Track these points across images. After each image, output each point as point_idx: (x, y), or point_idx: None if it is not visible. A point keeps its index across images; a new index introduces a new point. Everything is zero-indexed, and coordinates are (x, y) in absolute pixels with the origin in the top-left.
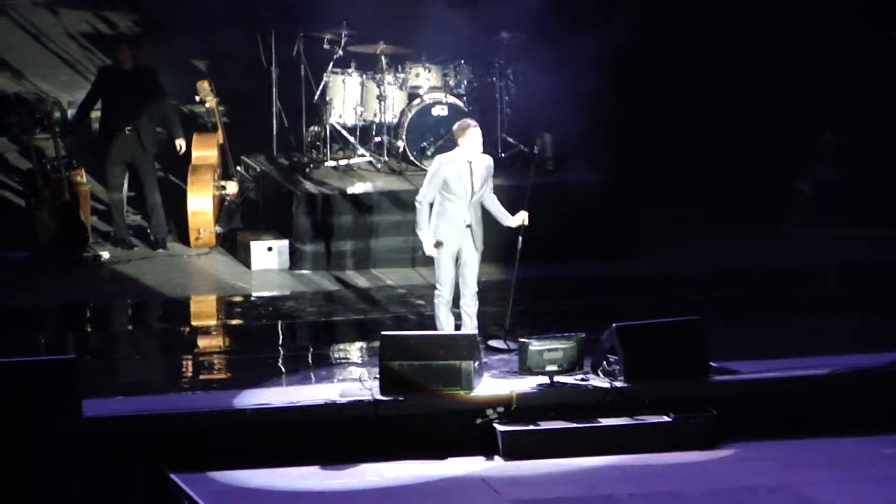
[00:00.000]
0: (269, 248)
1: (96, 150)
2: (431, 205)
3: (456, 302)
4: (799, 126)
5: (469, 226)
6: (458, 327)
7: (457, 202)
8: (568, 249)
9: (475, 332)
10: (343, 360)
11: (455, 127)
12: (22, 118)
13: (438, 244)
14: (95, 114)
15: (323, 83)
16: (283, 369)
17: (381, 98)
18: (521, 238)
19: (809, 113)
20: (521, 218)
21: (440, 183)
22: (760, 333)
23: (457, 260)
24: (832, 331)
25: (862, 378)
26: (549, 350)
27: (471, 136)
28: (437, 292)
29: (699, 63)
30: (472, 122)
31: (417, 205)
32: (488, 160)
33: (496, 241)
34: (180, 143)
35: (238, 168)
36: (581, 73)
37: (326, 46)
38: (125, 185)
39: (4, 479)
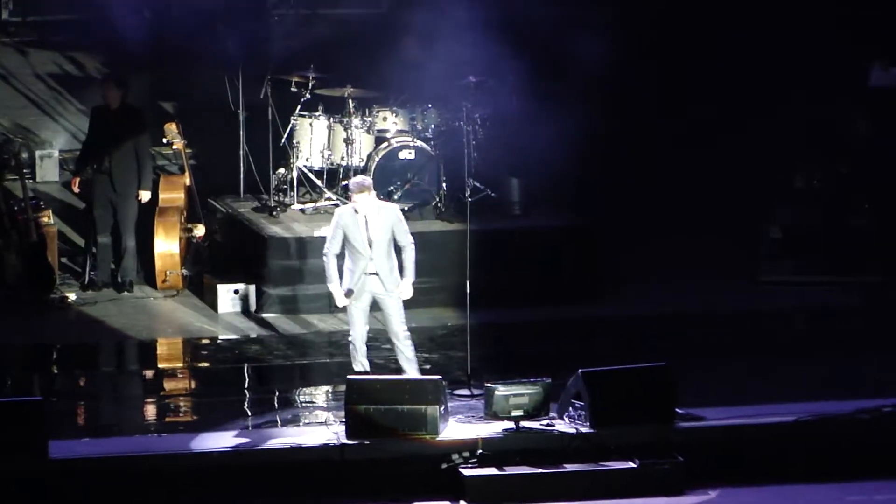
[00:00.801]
0: (236, 291)
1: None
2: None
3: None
4: (771, 168)
5: (374, 274)
6: (398, 371)
7: (356, 254)
8: (536, 293)
9: (437, 377)
10: (309, 404)
11: (356, 182)
12: None
13: (349, 293)
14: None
15: (290, 126)
16: (249, 412)
17: (348, 141)
18: (468, 283)
19: (781, 154)
20: (404, 290)
21: (342, 235)
22: (728, 379)
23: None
24: (799, 376)
25: (828, 425)
26: (514, 395)
27: (357, 195)
28: (349, 341)
29: (671, 102)
30: (366, 185)
31: (324, 258)
32: (390, 210)
33: (460, 286)
34: (144, 195)
35: (205, 211)
36: (549, 117)
37: (294, 89)
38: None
39: None
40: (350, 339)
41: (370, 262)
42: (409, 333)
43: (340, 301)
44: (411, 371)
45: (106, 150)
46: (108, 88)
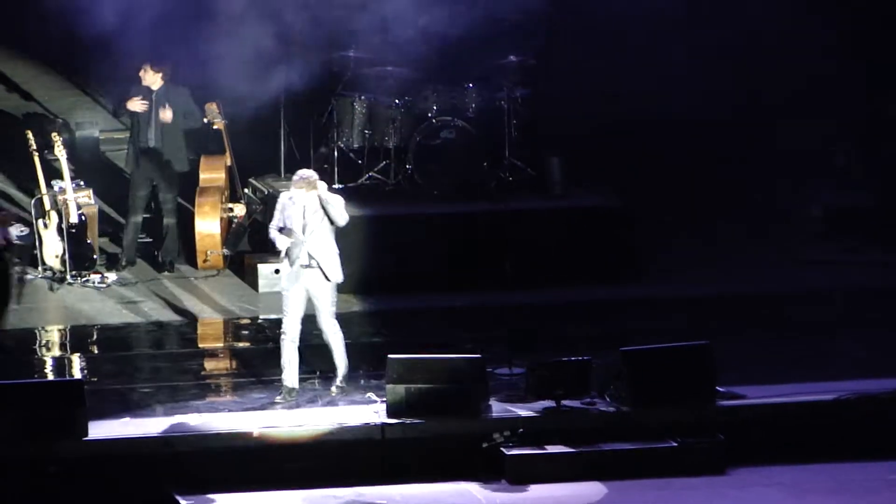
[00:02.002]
0: (276, 271)
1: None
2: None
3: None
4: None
5: (308, 265)
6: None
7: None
8: (576, 273)
9: (478, 356)
10: (351, 383)
11: (314, 176)
12: (30, 139)
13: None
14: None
15: (331, 106)
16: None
17: (388, 121)
18: (507, 264)
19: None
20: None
21: (281, 216)
22: (770, 357)
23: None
24: (841, 355)
25: (869, 403)
26: (555, 374)
27: (314, 193)
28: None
29: (714, 85)
30: (304, 176)
31: (270, 234)
32: (319, 191)
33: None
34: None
35: (246, 190)
36: (593, 96)
37: (335, 69)
38: (146, 208)
39: (9, 501)
40: (282, 329)
41: (305, 251)
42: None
43: (283, 243)
44: (339, 359)
45: (155, 130)
46: (145, 71)
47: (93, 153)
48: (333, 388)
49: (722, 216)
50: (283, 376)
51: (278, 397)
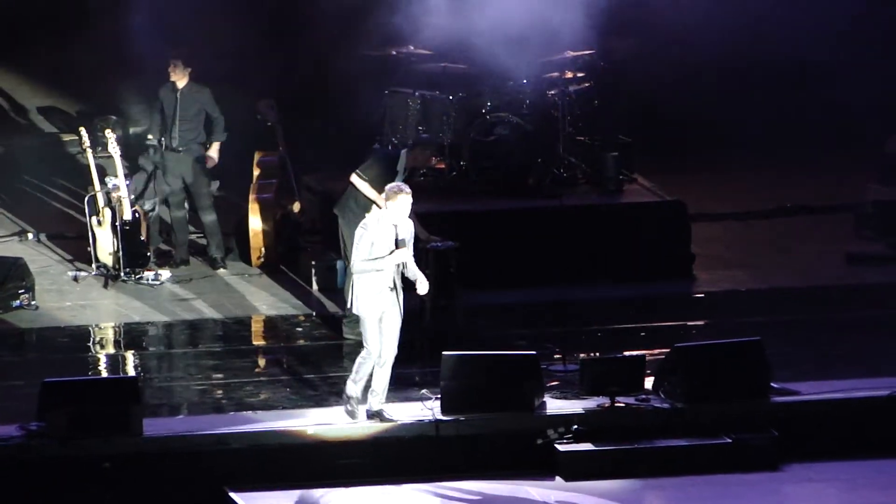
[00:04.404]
0: (332, 267)
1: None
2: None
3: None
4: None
5: (393, 289)
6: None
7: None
8: (630, 269)
9: (532, 352)
10: (405, 379)
11: (387, 189)
12: (83, 137)
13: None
14: None
15: (384, 101)
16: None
17: (442, 117)
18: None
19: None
20: (422, 287)
21: (368, 246)
22: (823, 353)
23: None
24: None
25: None
26: (610, 370)
27: (400, 202)
28: (364, 353)
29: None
30: (405, 189)
31: (360, 267)
32: (411, 226)
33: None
34: (212, 152)
35: (300, 187)
36: (647, 91)
37: (389, 65)
38: (185, 203)
39: (65, 497)
40: (365, 354)
41: (391, 277)
42: None
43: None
44: (380, 394)
45: (179, 128)
46: (173, 67)
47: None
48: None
49: (772, 208)
50: (353, 389)
51: (346, 406)
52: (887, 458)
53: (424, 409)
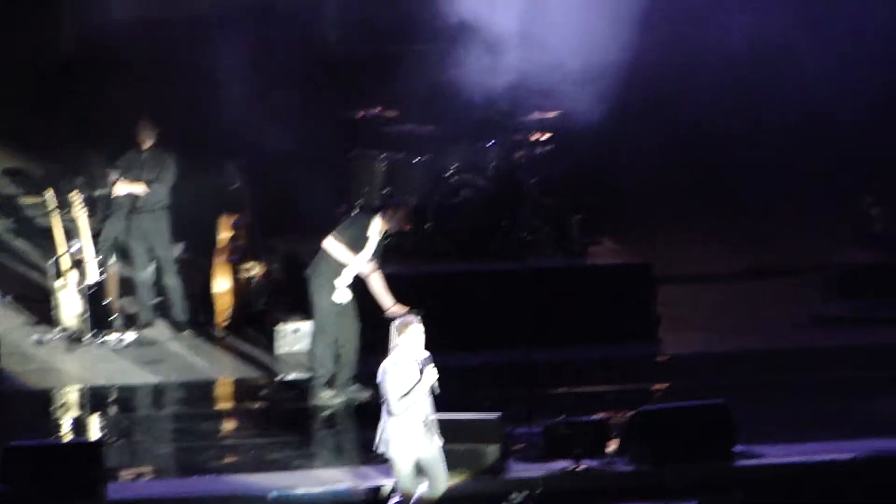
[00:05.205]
0: (296, 330)
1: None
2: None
3: None
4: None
5: (426, 422)
6: None
7: (416, 408)
8: (595, 331)
9: (497, 414)
10: (367, 442)
11: (396, 324)
12: (49, 200)
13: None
14: None
15: (351, 163)
16: (312, 452)
17: (408, 179)
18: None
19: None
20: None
21: (397, 392)
22: (789, 416)
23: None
24: (862, 414)
25: (887, 463)
26: (574, 433)
27: (412, 333)
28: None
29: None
30: (415, 318)
31: (397, 410)
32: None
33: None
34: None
35: (265, 249)
36: (609, 153)
37: (355, 126)
38: (150, 265)
39: None
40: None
41: (426, 411)
42: None
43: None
44: None
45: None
46: (141, 127)
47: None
48: None
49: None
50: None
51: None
52: None
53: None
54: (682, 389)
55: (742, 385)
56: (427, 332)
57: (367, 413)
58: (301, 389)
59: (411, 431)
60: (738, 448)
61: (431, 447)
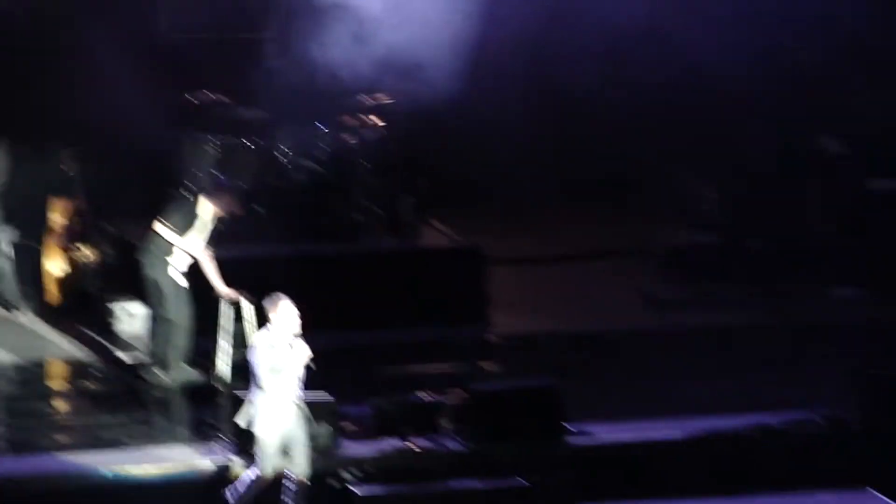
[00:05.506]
0: (128, 312)
1: None
2: None
3: None
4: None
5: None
6: None
7: (286, 387)
8: (426, 313)
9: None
10: (198, 420)
11: (265, 303)
12: None
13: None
14: None
15: (184, 147)
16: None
17: (239, 163)
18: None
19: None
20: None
21: (269, 370)
22: (619, 396)
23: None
24: (690, 393)
25: (718, 441)
26: (403, 412)
27: (283, 311)
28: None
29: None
30: (282, 296)
31: (265, 391)
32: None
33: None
34: None
35: (97, 232)
36: (441, 137)
37: (186, 110)
38: None
39: None
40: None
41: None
42: None
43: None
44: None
45: None
46: None
47: None
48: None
49: (573, 251)
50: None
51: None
52: (679, 499)
53: (216, 452)
54: (512, 370)
55: (572, 366)
56: (257, 315)
57: (200, 393)
58: (135, 370)
59: (279, 410)
60: (568, 427)
61: (298, 427)
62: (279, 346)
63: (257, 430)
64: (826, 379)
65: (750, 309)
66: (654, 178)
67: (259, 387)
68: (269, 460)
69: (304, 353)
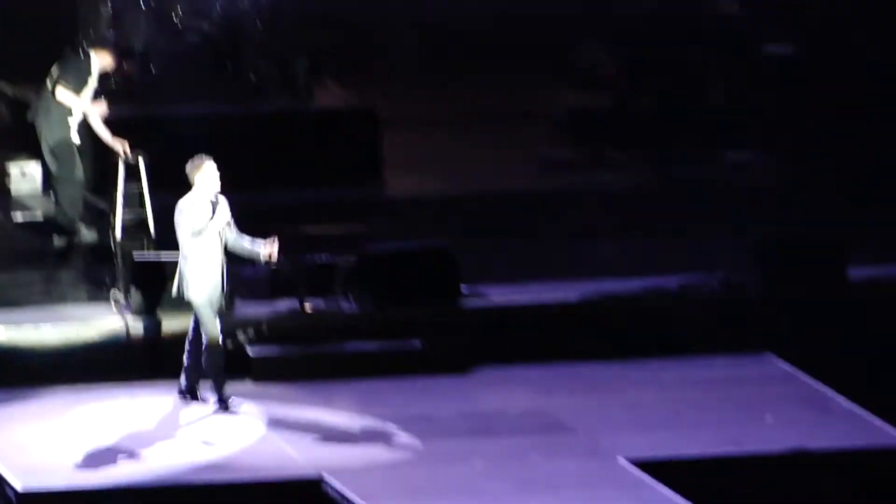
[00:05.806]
0: (23, 172)
1: None
2: None
3: None
4: None
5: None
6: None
7: (211, 247)
8: (321, 175)
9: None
10: (98, 281)
11: (188, 165)
12: None
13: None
14: None
15: (75, 4)
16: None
17: (132, 24)
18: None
19: None
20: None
21: (190, 234)
22: (515, 258)
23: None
24: (589, 256)
25: (614, 304)
26: (299, 274)
27: (206, 172)
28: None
29: None
30: (205, 157)
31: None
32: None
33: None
34: None
35: None
36: None
37: None
38: None
39: None
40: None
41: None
42: None
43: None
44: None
45: None
46: None
47: None
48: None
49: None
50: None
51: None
52: (577, 363)
53: (115, 312)
54: (406, 232)
55: (466, 228)
56: (152, 174)
57: (96, 253)
58: (37, 230)
59: (207, 273)
60: (464, 289)
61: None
62: (201, 206)
63: (191, 297)
64: (723, 243)
65: (645, 172)
66: (550, 41)
67: (184, 255)
68: (213, 326)
69: (225, 210)
